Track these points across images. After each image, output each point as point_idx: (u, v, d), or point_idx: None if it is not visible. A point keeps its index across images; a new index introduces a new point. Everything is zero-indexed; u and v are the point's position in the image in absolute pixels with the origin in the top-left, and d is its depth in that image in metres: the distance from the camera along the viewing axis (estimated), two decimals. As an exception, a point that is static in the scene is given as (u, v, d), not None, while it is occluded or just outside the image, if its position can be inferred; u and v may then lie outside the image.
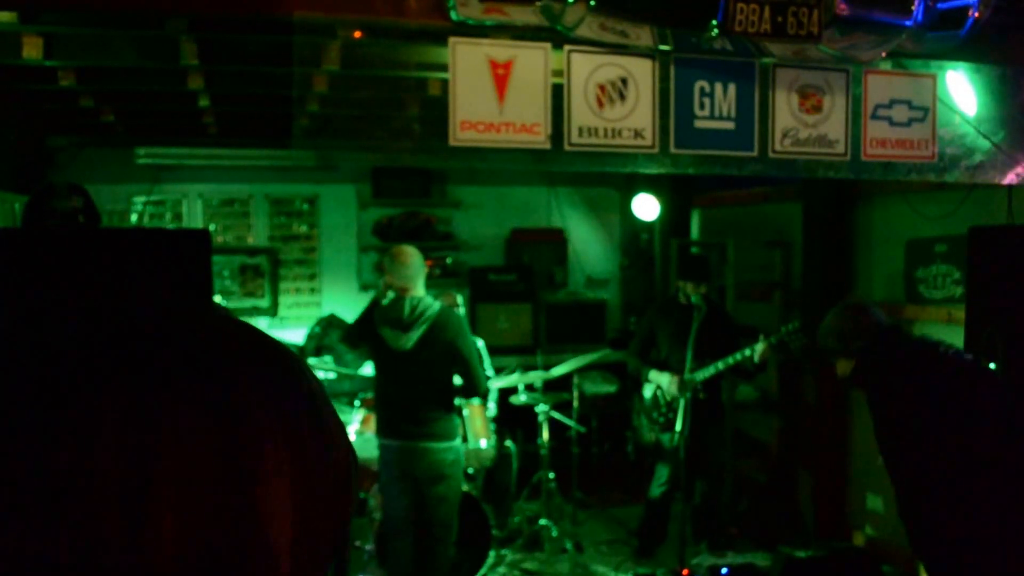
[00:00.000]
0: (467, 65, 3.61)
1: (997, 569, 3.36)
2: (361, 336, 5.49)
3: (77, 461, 0.69)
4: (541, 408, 6.86)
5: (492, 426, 6.57)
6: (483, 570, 6.07)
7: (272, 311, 9.15)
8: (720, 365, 6.22)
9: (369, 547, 6.09)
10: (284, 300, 9.25)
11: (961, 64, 4.12)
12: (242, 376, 0.78)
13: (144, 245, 2.48)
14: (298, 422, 0.80)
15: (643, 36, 3.63)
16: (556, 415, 7.18)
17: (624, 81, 3.79)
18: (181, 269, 2.45)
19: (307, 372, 0.86)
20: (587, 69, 3.75)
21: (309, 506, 0.79)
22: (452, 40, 3.58)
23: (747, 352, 6.12)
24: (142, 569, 0.69)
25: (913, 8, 3.43)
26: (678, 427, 5.76)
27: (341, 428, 0.88)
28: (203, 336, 0.80)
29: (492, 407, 6.75)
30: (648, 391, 6.65)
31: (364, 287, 9.37)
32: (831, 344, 4.08)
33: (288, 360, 0.84)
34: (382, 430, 5.34)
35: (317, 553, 0.81)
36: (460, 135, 3.61)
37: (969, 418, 3.52)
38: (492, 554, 6.18)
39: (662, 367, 6.55)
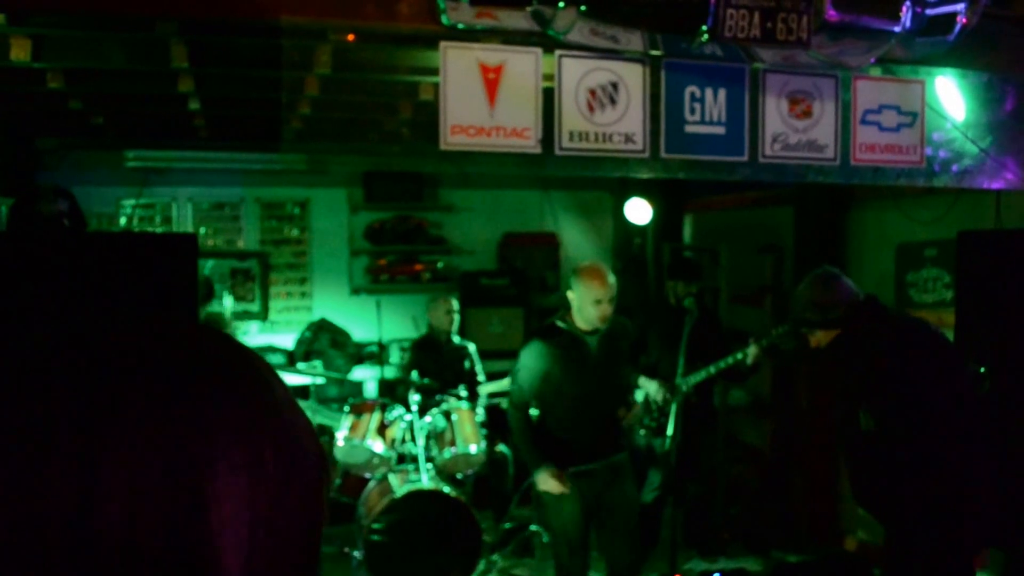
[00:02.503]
0: (458, 69, 3.61)
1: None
2: None
3: (29, 464, 0.69)
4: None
5: (482, 431, 6.55)
6: (473, 576, 6.06)
7: (262, 315, 9.12)
8: (712, 369, 6.22)
9: (358, 554, 6.07)
10: (274, 304, 9.22)
11: (949, 70, 4.13)
12: (198, 389, 0.77)
13: (129, 249, 2.47)
14: (256, 434, 0.79)
15: (634, 41, 3.64)
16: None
17: (615, 86, 3.79)
18: (167, 273, 2.44)
19: (272, 382, 0.85)
20: (578, 74, 3.75)
21: (269, 518, 0.78)
22: (443, 44, 3.58)
23: (739, 356, 6.12)
24: None
25: (902, 14, 3.44)
26: (669, 432, 5.75)
27: (312, 438, 0.87)
28: (163, 345, 0.80)
29: (481, 412, 6.73)
30: (640, 396, 6.64)
31: (355, 291, 9.34)
32: (808, 315, 4.15)
33: (252, 371, 0.84)
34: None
35: (280, 564, 0.80)
36: (451, 139, 3.61)
37: (939, 377, 3.91)
38: (482, 561, 6.17)
39: (652, 372, 6.55)
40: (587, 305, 4.83)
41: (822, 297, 4.09)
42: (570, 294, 4.91)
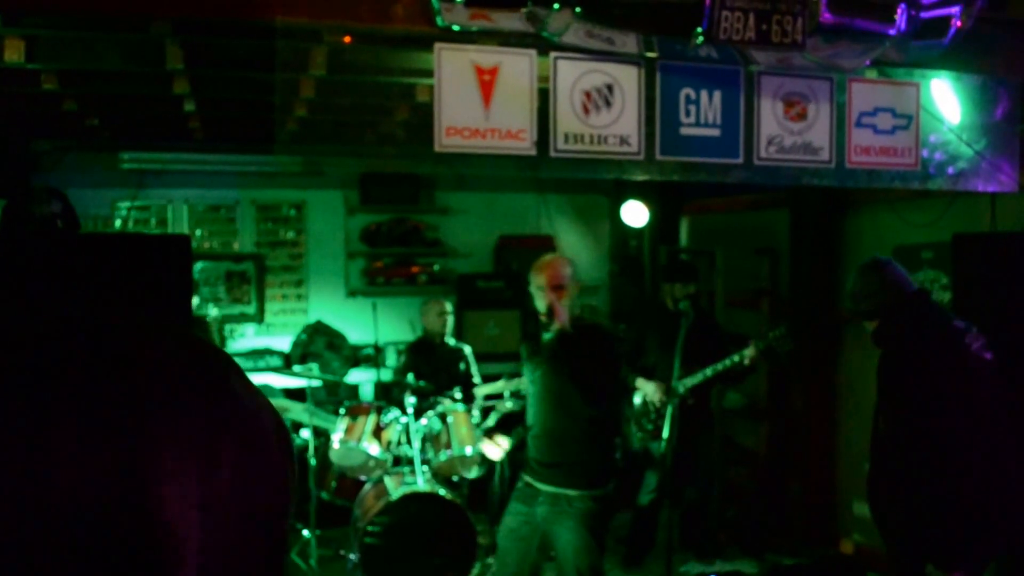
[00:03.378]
0: (453, 71, 3.61)
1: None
2: None
3: None
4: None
5: (477, 433, 6.55)
6: (468, 579, 6.05)
7: (258, 318, 9.11)
8: (709, 372, 6.23)
9: (354, 556, 6.06)
10: (270, 307, 9.21)
11: (945, 73, 4.13)
12: (150, 386, 0.79)
13: (122, 251, 2.47)
14: (211, 432, 0.80)
15: (629, 43, 3.64)
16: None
17: (610, 88, 3.79)
18: (160, 274, 2.43)
19: (231, 375, 0.86)
20: (573, 76, 3.75)
21: (225, 499, 0.79)
22: (438, 46, 3.57)
23: (735, 358, 6.12)
24: None
25: (897, 17, 3.44)
26: (665, 434, 5.75)
27: (282, 434, 0.88)
28: (124, 345, 0.82)
29: (477, 414, 6.73)
30: (637, 398, 6.65)
31: (351, 294, 9.34)
32: (847, 304, 4.26)
33: (215, 373, 0.85)
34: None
35: (240, 546, 0.81)
36: (445, 141, 3.61)
37: (951, 394, 3.85)
38: (478, 564, 6.16)
39: (650, 374, 6.55)
40: (536, 298, 4.84)
41: (855, 287, 4.15)
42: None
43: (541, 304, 4.77)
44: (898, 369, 3.96)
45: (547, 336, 4.75)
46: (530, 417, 4.88)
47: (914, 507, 3.86)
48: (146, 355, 0.82)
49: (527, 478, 4.81)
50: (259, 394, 0.88)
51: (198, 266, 8.70)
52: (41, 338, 0.79)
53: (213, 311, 7.79)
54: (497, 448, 6.56)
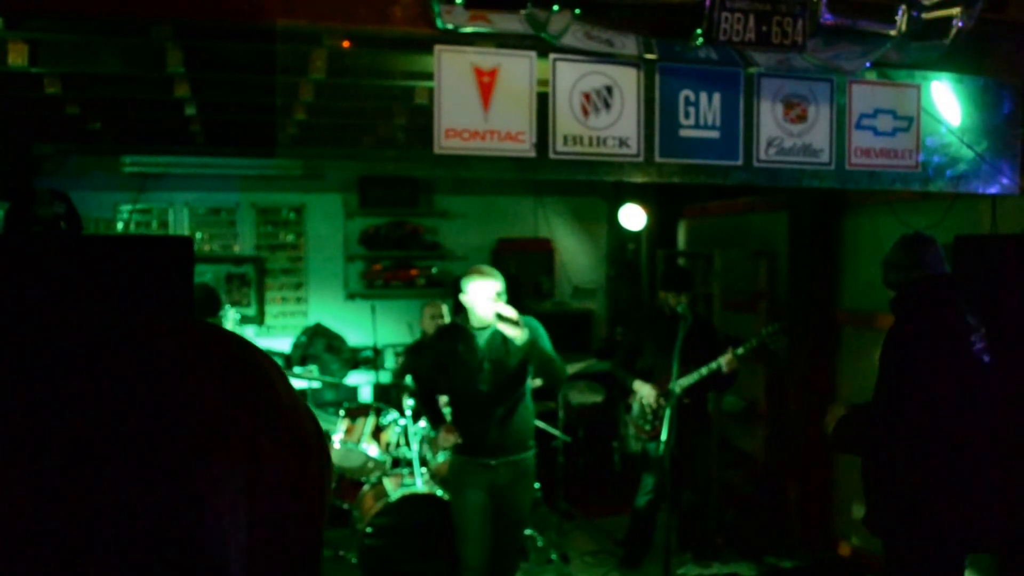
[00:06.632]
0: (452, 73, 3.61)
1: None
2: None
3: (31, 458, 0.70)
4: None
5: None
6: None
7: (258, 320, 9.13)
8: (704, 371, 6.26)
9: (353, 557, 6.06)
10: (270, 309, 9.23)
11: (945, 74, 4.14)
12: (202, 390, 0.78)
13: (125, 252, 2.47)
14: (256, 437, 0.80)
15: (628, 45, 3.64)
16: (542, 425, 7.17)
17: (609, 90, 3.80)
18: (162, 276, 2.44)
19: (276, 380, 0.85)
20: (572, 77, 3.76)
21: (269, 509, 0.79)
22: (437, 48, 3.58)
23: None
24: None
25: (897, 18, 3.44)
26: (663, 436, 5.76)
27: (320, 440, 0.88)
28: (169, 347, 0.81)
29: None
30: (635, 401, 6.65)
31: (350, 296, 9.36)
32: (881, 273, 4.36)
33: (260, 375, 0.84)
34: None
35: (280, 561, 0.80)
36: (445, 143, 3.62)
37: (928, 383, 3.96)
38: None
39: (647, 377, 6.56)
40: (478, 306, 5.02)
41: (889, 257, 4.30)
42: (462, 297, 5.07)
43: (487, 309, 4.97)
44: (894, 340, 4.03)
45: (484, 334, 5.10)
46: (478, 408, 5.10)
47: (870, 480, 4.10)
48: (193, 357, 0.81)
49: (479, 460, 5.11)
50: (299, 397, 0.88)
51: (207, 273, 8.73)
52: (87, 339, 0.78)
53: (232, 313, 7.80)
54: None
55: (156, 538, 0.72)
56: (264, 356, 0.88)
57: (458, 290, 5.14)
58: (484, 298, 4.97)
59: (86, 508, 0.70)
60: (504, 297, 5.01)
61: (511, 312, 4.90)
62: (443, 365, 5.19)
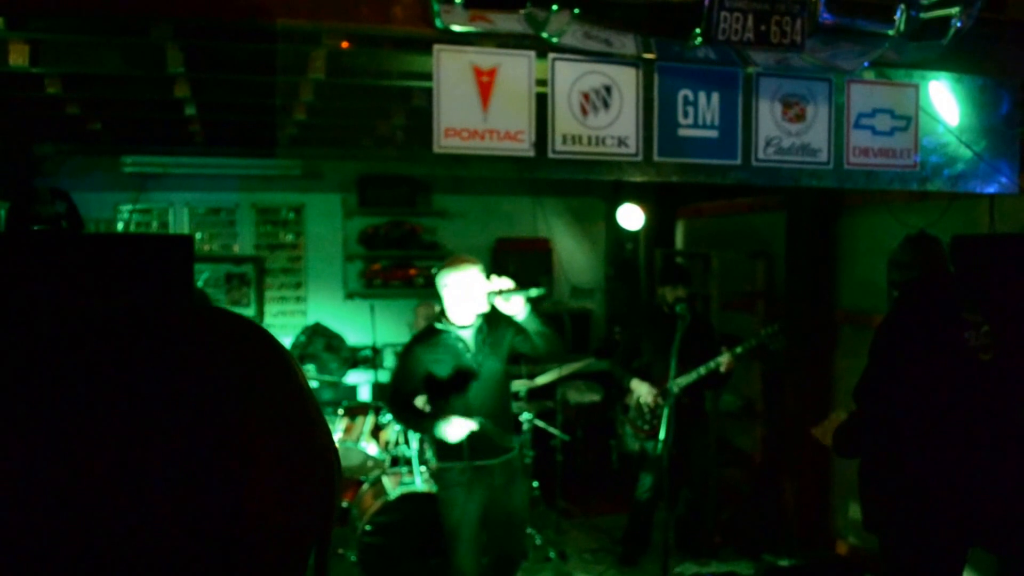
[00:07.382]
0: (451, 72, 3.62)
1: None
2: None
3: (63, 454, 0.70)
4: (525, 417, 6.86)
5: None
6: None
7: (258, 319, 9.13)
8: (703, 370, 6.28)
9: (352, 556, 6.07)
10: (270, 308, 9.23)
11: (943, 74, 4.15)
12: (234, 374, 0.79)
13: (126, 250, 2.48)
14: (286, 419, 0.81)
15: (627, 44, 3.65)
16: (540, 424, 7.19)
17: (608, 89, 3.81)
18: (163, 274, 2.45)
19: (297, 370, 0.87)
20: (571, 77, 3.77)
21: (294, 498, 0.80)
22: (436, 47, 3.59)
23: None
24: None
25: (896, 18, 3.45)
26: (662, 435, 5.77)
27: (325, 425, 0.89)
28: (196, 335, 0.82)
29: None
30: (633, 400, 6.66)
31: (350, 296, 9.37)
32: (885, 272, 4.38)
33: (283, 359, 0.86)
34: None
35: (298, 543, 0.82)
36: (444, 142, 3.63)
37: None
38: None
39: (644, 376, 6.58)
40: (462, 299, 4.89)
41: (894, 256, 4.31)
42: (444, 292, 4.94)
43: (480, 293, 4.86)
44: (882, 329, 4.06)
45: (469, 333, 4.97)
46: (469, 407, 4.93)
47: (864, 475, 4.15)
48: (225, 345, 0.82)
49: (477, 463, 4.93)
50: (312, 396, 0.89)
51: (204, 274, 8.73)
52: (127, 332, 0.79)
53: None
54: None
55: (192, 520, 0.73)
56: (282, 346, 0.90)
57: (435, 288, 4.99)
58: (470, 285, 4.84)
59: (122, 494, 0.71)
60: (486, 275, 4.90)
61: (507, 283, 4.77)
62: (428, 373, 4.96)
